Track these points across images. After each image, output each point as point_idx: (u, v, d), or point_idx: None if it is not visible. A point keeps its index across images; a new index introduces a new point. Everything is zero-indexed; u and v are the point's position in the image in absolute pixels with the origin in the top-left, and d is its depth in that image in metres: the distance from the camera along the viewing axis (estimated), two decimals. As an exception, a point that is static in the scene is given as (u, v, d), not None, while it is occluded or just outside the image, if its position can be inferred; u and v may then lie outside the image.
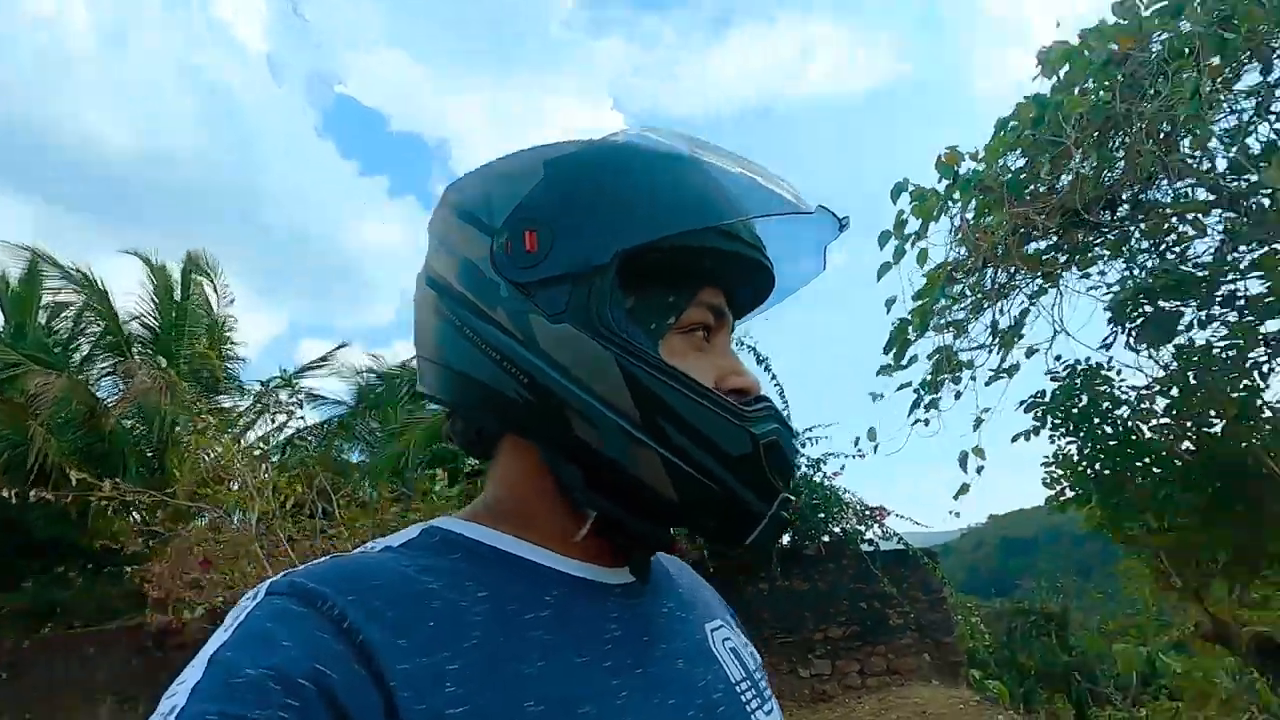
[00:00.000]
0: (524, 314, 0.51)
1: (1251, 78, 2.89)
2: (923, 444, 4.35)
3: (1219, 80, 2.51)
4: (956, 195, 3.17)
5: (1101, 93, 2.71)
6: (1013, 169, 2.96)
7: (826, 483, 7.28)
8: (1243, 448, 2.94)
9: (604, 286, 0.50)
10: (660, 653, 0.54)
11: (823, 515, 7.17)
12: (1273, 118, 2.93)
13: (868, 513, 7.24)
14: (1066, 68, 3.11)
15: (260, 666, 0.38)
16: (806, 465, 7.31)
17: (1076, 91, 3.00)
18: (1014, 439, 3.70)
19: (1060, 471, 3.81)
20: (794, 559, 6.98)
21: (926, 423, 4.01)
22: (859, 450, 6.85)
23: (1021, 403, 3.56)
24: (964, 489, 3.86)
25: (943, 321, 3.71)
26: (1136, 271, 3.13)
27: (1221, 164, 2.96)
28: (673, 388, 0.50)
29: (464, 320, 0.53)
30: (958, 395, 3.93)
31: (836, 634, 6.91)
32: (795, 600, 7.00)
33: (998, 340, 3.80)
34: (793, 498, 0.54)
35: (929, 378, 3.81)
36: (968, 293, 3.28)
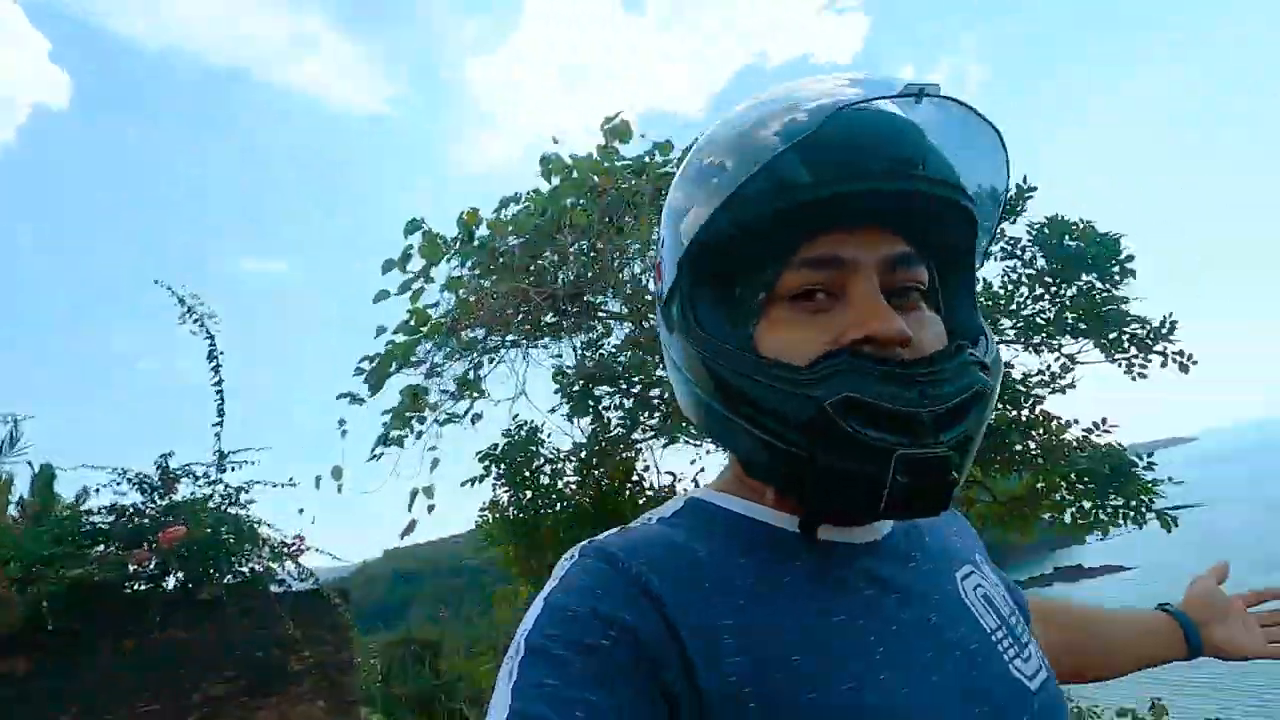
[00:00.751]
0: (663, 337, 0.60)
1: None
2: (376, 478, 4.35)
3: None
4: (464, 253, 3.49)
5: (591, 213, 3.44)
6: (514, 248, 3.46)
7: (243, 514, 6.42)
8: (620, 502, 4.04)
9: (685, 292, 0.56)
10: (912, 610, 0.54)
11: (227, 553, 6.26)
12: None
13: (285, 547, 6.66)
14: (557, 180, 3.83)
15: (584, 606, 0.48)
16: (221, 496, 6.31)
17: (569, 202, 3.73)
18: (464, 483, 4.12)
19: (491, 515, 4.40)
20: (181, 605, 5.82)
21: (378, 456, 4.07)
22: (291, 480, 6.33)
23: (478, 453, 4.02)
24: (411, 526, 4.01)
25: (420, 360, 3.89)
26: (580, 355, 4.01)
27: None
28: (735, 370, 0.52)
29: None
30: (419, 435, 4.12)
31: (219, 691, 5.97)
32: (171, 656, 5.79)
33: (462, 390, 4.18)
34: (950, 453, 0.47)
35: (402, 413, 3.91)
36: (455, 344, 3.57)
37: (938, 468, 0.47)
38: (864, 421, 0.47)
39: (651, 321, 4.08)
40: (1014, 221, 4.54)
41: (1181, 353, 4.31)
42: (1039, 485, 4.49)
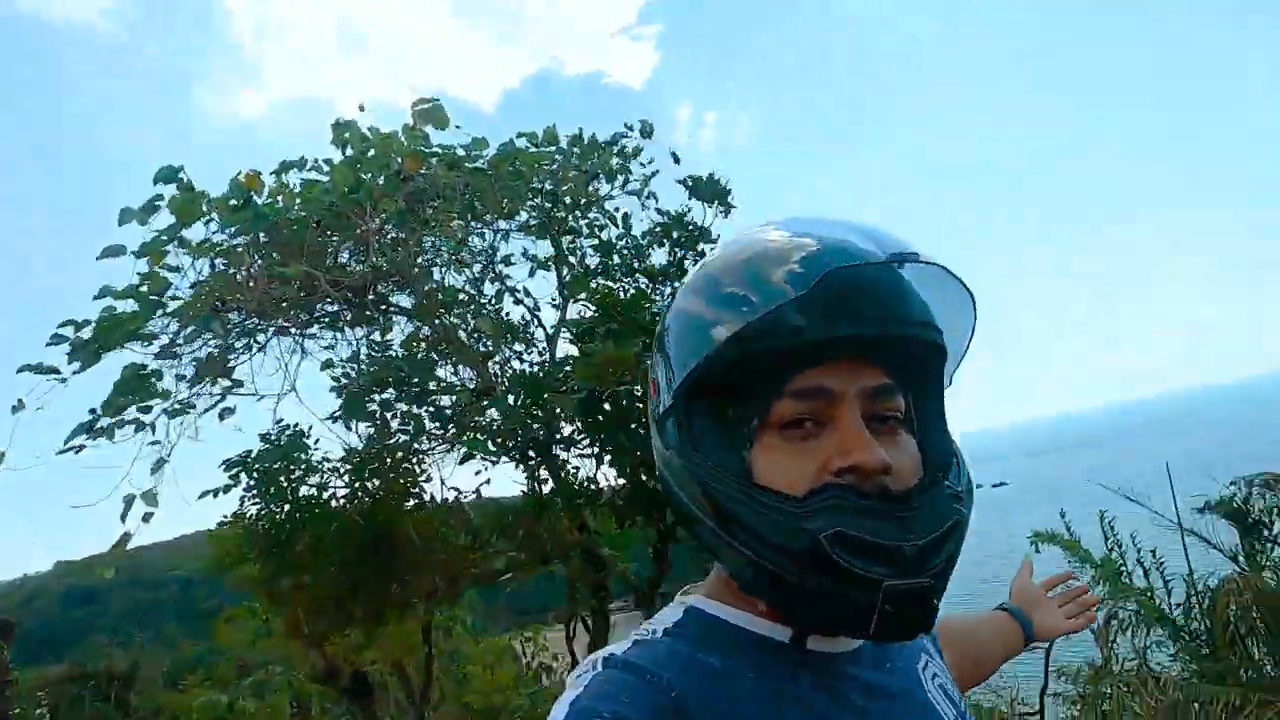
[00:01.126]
0: (658, 455, 0.64)
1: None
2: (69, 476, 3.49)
3: (467, 227, 3.34)
4: (235, 220, 2.91)
5: (396, 199, 3.09)
6: (299, 224, 2.97)
7: None
8: (396, 516, 3.68)
9: (683, 415, 0.60)
10: (895, 712, 0.62)
11: None
12: (470, 271, 4.05)
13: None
14: (350, 153, 3.42)
15: (609, 711, 0.52)
16: None
17: (370, 178, 3.33)
18: (202, 495, 3.41)
19: (235, 528, 3.73)
20: None
21: (79, 449, 3.27)
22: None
23: (226, 460, 3.37)
24: (124, 539, 3.25)
25: (152, 336, 3.19)
26: (360, 350, 3.58)
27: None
28: (731, 495, 0.57)
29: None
30: (141, 427, 3.36)
31: None
32: None
33: (202, 376, 3.50)
34: (932, 583, 0.54)
35: (119, 398, 3.14)
36: (218, 324, 2.96)
37: (921, 597, 0.53)
38: (853, 553, 0.52)
39: (448, 323, 3.82)
40: None
41: None
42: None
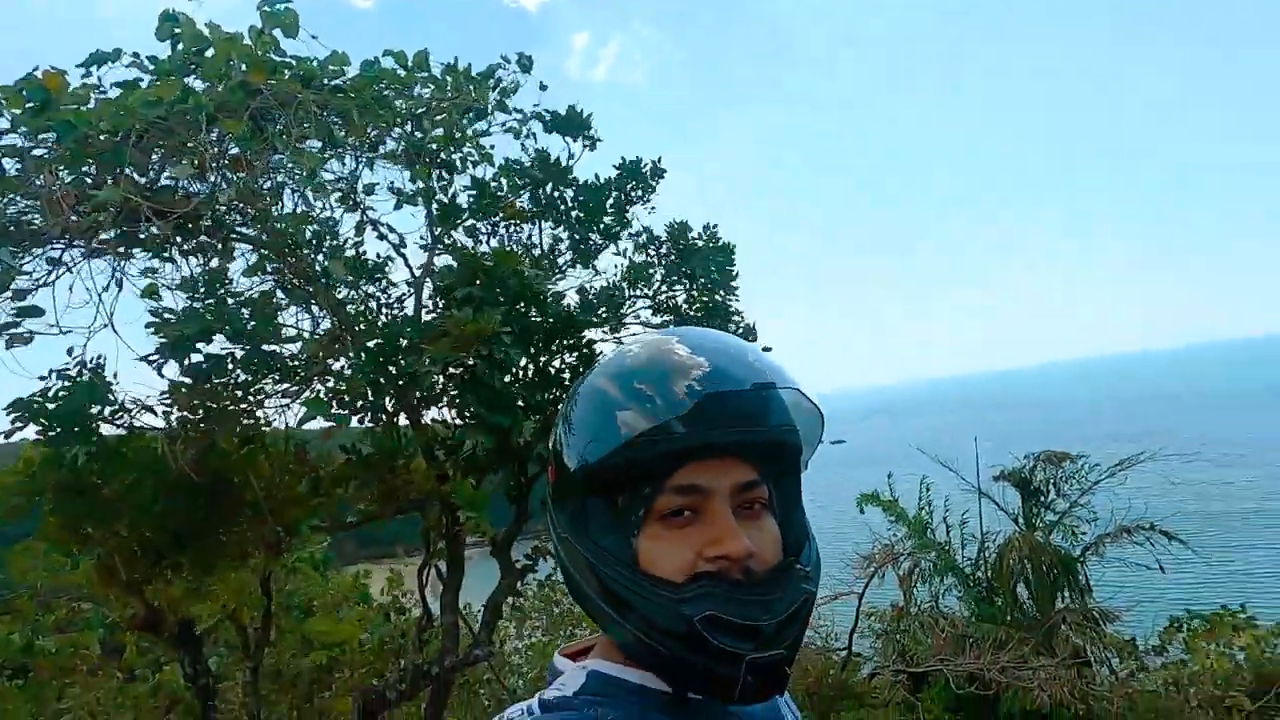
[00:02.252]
0: (553, 530, 0.74)
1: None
2: None
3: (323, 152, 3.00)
4: (27, 121, 2.43)
5: (240, 116, 2.72)
6: (122, 142, 2.53)
7: None
8: (233, 461, 3.39)
9: (579, 503, 0.70)
10: None
11: None
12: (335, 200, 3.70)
13: None
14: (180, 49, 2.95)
15: None
16: None
17: (207, 88, 2.90)
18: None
19: (18, 473, 3.27)
20: None
21: None
22: None
23: (15, 401, 2.88)
24: None
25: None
26: (193, 281, 3.18)
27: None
28: (620, 580, 0.67)
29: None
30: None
31: None
32: None
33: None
34: (785, 653, 0.65)
35: None
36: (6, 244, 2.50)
37: (777, 666, 0.65)
38: (722, 633, 0.63)
39: (301, 257, 3.49)
40: (650, 208, 5.10)
41: (767, 350, 5.44)
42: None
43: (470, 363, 3.29)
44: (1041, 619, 9.89)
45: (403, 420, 3.97)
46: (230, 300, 3.24)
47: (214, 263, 3.11)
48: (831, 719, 8.75)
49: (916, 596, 10.96)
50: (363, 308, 3.89)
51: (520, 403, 3.72)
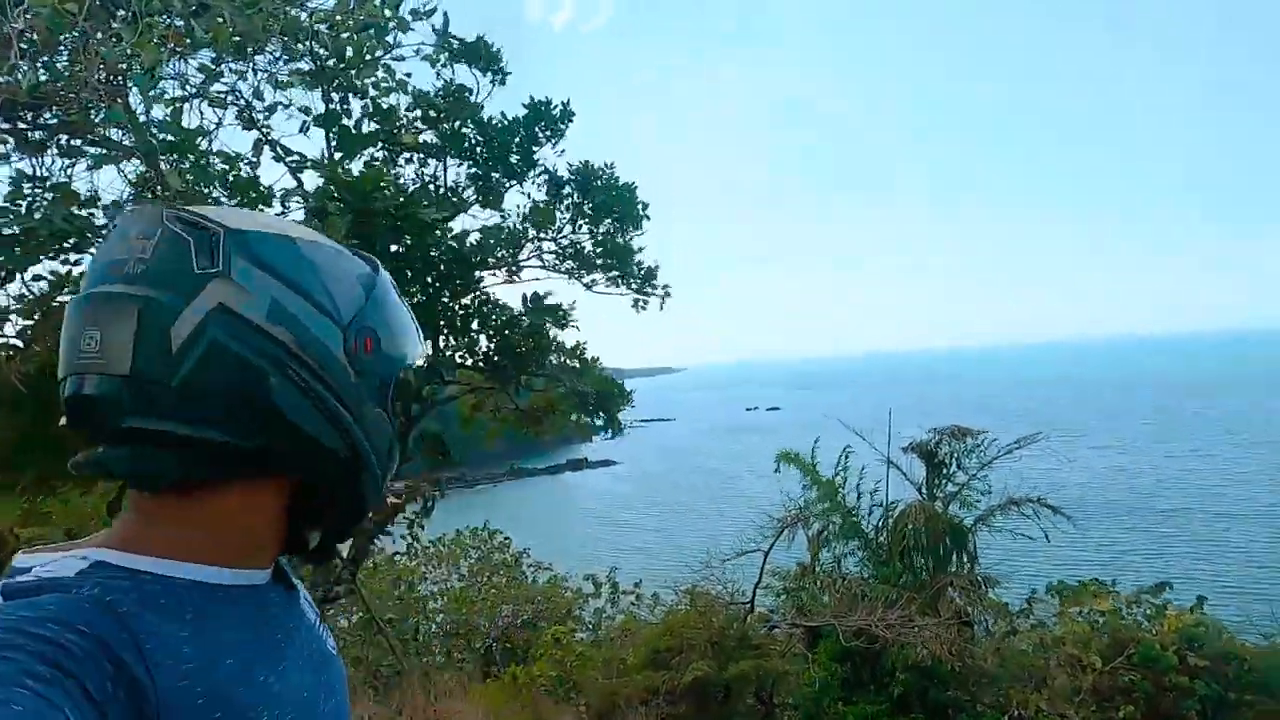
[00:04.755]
0: (361, 397, 0.71)
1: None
2: None
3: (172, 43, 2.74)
4: None
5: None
6: None
7: None
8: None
9: (392, 388, 0.76)
10: (310, 637, 0.77)
11: None
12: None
13: None
14: None
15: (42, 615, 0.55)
16: None
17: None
18: None
19: None
20: None
21: None
22: None
23: None
24: None
25: None
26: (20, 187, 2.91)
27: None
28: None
29: (308, 383, 0.67)
30: None
31: None
32: None
33: None
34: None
35: None
36: None
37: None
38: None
39: (152, 166, 3.23)
40: (559, 150, 4.99)
41: (667, 289, 5.43)
42: (549, 401, 5.22)
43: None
44: (931, 582, 10.49)
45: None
46: (81, 210, 2.98)
47: (55, 164, 2.85)
48: (731, 668, 9.13)
49: (821, 558, 11.48)
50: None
51: None
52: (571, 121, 4.86)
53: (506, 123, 4.74)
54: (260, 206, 3.55)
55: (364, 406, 0.71)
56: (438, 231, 3.87)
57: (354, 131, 4.42)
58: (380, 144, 4.63)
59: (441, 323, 3.82)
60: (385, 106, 4.39)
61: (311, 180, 4.26)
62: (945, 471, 11.46)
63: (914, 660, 8.74)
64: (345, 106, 4.56)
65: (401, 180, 4.76)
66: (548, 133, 4.82)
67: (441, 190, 4.71)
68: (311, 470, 0.71)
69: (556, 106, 4.79)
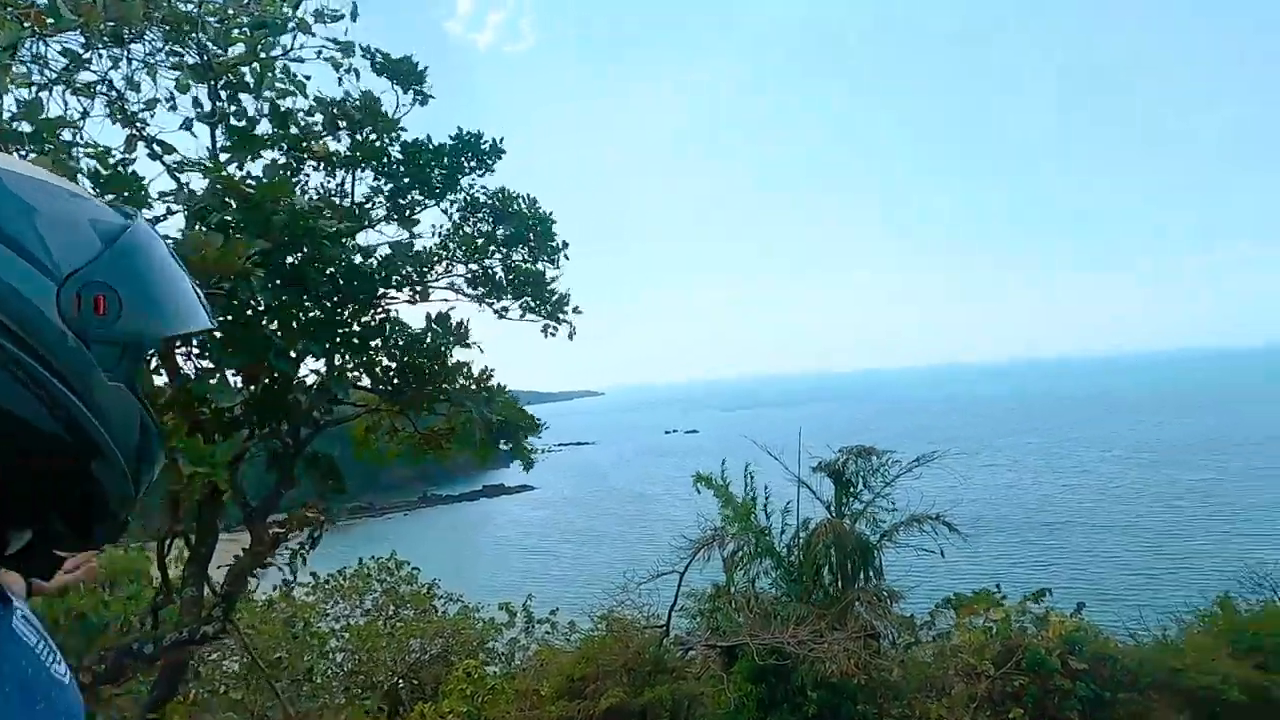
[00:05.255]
0: (87, 366, 0.59)
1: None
2: None
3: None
4: None
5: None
6: None
7: None
8: None
9: (142, 361, 0.68)
10: (26, 662, 0.65)
11: None
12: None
13: None
14: None
15: None
16: None
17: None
18: None
19: None
20: None
21: None
22: None
23: None
24: None
25: None
26: None
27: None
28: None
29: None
30: None
31: None
32: None
33: None
34: None
35: None
36: None
37: None
38: None
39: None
40: (486, 174, 4.89)
41: (576, 310, 5.41)
42: (451, 425, 5.04)
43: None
44: (840, 598, 10.79)
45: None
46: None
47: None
48: (646, 693, 9.03)
49: (735, 579, 11.61)
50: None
51: (293, 353, 3.37)
52: (501, 157, 4.75)
53: (432, 149, 4.59)
54: (138, 208, 3.24)
55: (91, 378, 0.60)
56: (342, 243, 3.68)
57: (249, 133, 4.17)
58: (284, 149, 4.39)
59: (338, 339, 3.61)
60: (282, 109, 4.16)
61: (198, 183, 3.98)
62: (852, 490, 11.89)
63: (824, 676, 8.92)
64: (237, 105, 4.30)
65: (305, 190, 4.52)
66: (473, 163, 4.70)
67: (349, 203, 4.49)
68: (7, 452, 0.57)
69: (488, 141, 4.68)
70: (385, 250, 4.66)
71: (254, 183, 3.12)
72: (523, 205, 4.94)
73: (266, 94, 4.37)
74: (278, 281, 3.05)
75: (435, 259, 4.81)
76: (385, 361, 4.32)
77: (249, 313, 3.08)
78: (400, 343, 4.11)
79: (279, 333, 3.29)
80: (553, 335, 5.43)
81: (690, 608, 11.21)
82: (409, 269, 4.46)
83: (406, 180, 4.83)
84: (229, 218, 3.01)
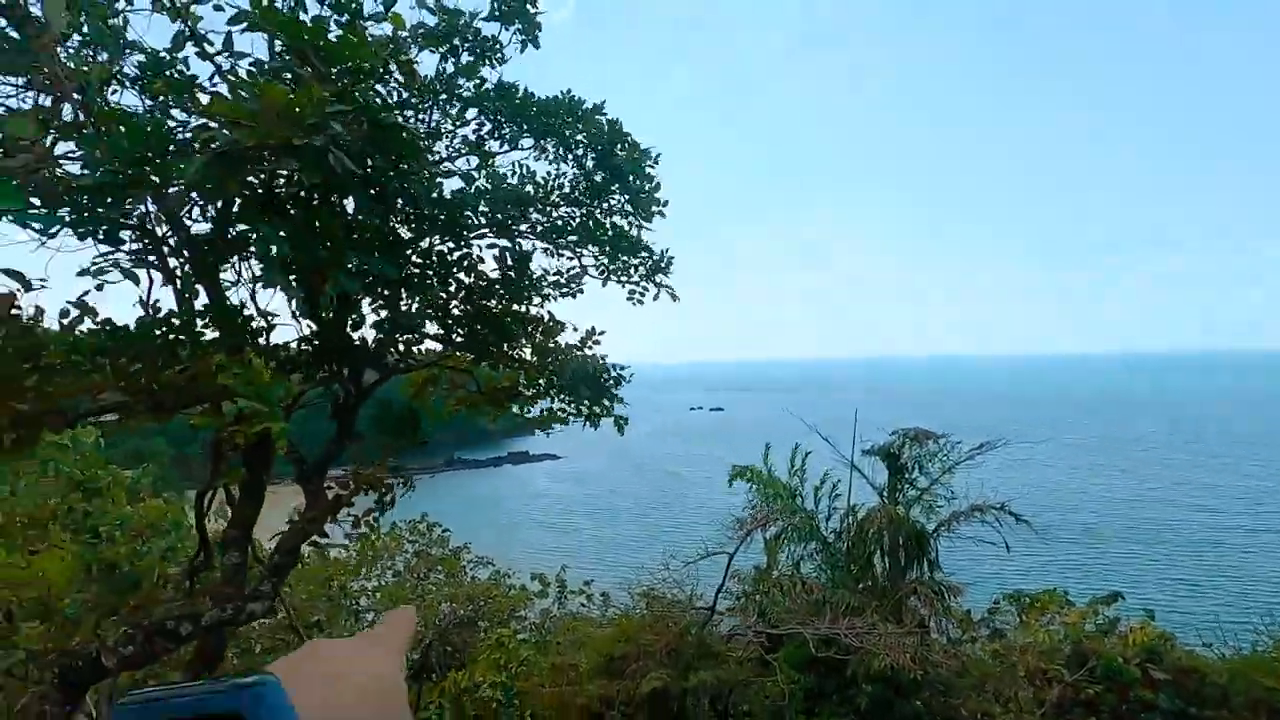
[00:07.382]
0: None
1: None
2: None
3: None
4: None
5: None
6: None
7: None
8: None
9: None
10: None
11: None
12: None
13: None
14: None
15: None
16: None
17: None
18: None
19: None
20: None
21: None
22: None
23: None
24: None
25: None
26: None
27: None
28: None
29: None
30: None
31: None
32: None
33: None
34: None
35: None
36: None
37: None
38: None
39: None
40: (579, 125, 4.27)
41: (671, 287, 4.81)
42: (522, 381, 4.49)
43: (281, 177, 2.33)
44: (893, 588, 10.22)
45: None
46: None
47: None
48: (691, 677, 8.62)
49: (779, 561, 11.09)
50: (104, 92, 2.68)
51: (352, 265, 2.74)
52: (600, 115, 4.11)
53: (529, 97, 3.95)
54: (187, 106, 2.70)
55: None
56: (422, 156, 3.08)
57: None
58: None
59: (415, 269, 3.07)
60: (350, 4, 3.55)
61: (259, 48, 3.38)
62: (908, 475, 11.25)
63: (878, 669, 8.40)
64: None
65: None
66: (571, 119, 4.05)
67: (428, 126, 3.88)
68: None
69: (589, 104, 4.05)
70: (484, 181, 4.06)
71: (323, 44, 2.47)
72: (630, 149, 4.26)
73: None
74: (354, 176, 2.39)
75: (532, 200, 4.19)
76: (455, 311, 3.76)
77: (315, 201, 2.50)
78: (478, 286, 3.54)
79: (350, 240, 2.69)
80: (639, 302, 4.82)
81: (733, 589, 10.73)
82: (507, 208, 3.84)
83: (500, 114, 4.19)
84: (294, 68, 2.42)
